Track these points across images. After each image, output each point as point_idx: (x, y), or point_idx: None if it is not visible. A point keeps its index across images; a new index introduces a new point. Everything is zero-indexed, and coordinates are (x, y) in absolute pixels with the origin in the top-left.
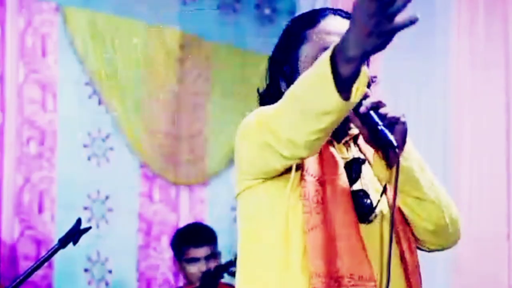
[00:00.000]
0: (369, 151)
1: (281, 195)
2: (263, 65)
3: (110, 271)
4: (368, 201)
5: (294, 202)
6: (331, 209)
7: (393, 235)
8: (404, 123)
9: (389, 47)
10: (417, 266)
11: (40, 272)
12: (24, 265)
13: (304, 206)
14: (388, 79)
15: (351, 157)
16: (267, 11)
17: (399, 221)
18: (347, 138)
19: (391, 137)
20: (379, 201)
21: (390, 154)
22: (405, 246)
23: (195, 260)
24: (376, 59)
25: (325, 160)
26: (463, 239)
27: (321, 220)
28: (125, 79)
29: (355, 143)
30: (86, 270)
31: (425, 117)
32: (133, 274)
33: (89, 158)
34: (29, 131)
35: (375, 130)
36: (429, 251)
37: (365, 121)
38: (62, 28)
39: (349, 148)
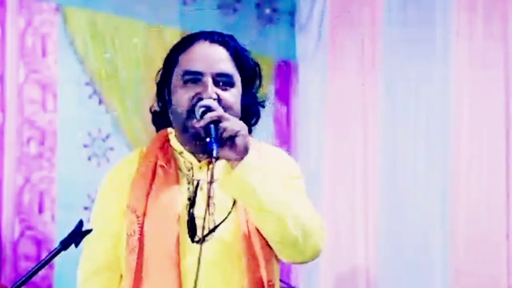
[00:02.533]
0: None
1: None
2: (264, 65)
3: None
4: (199, 222)
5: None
6: (148, 239)
7: (241, 250)
8: (243, 136)
9: (389, 47)
10: (258, 285)
11: (40, 272)
12: (24, 265)
13: (125, 239)
14: (387, 79)
15: (203, 178)
16: (267, 11)
17: (242, 236)
18: (207, 160)
19: (214, 147)
20: (223, 221)
21: (233, 165)
22: (243, 261)
23: None
24: (376, 60)
25: (153, 191)
26: (461, 239)
27: (134, 249)
28: (125, 79)
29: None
30: None
31: (424, 117)
32: None
33: (89, 158)
34: (29, 131)
35: (206, 143)
36: (289, 263)
37: (205, 133)
38: (62, 28)
39: (211, 168)
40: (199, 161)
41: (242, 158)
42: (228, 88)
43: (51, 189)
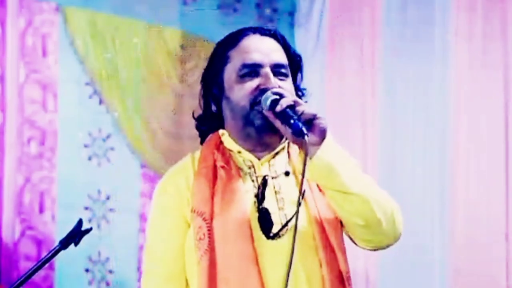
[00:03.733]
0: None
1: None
2: None
3: (111, 271)
4: (269, 217)
5: (190, 240)
6: (219, 241)
7: (318, 242)
8: (321, 119)
9: (388, 48)
10: (337, 277)
11: (41, 272)
12: (25, 265)
13: (195, 245)
14: (386, 79)
15: (269, 174)
16: (267, 11)
17: (318, 230)
18: (268, 156)
19: (302, 126)
20: (295, 214)
21: (308, 148)
22: (321, 255)
23: None
24: (375, 60)
25: (218, 192)
26: (460, 239)
27: (206, 253)
28: (125, 79)
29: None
30: (87, 270)
31: (423, 118)
32: (134, 274)
33: (89, 158)
34: (29, 131)
35: (291, 125)
36: (370, 250)
37: (283, 119)
38: (62, 28)
39: (272, 163)
40: (259, 158)
41: (322, 141)
42: (285, 78)
43: (52, 189)
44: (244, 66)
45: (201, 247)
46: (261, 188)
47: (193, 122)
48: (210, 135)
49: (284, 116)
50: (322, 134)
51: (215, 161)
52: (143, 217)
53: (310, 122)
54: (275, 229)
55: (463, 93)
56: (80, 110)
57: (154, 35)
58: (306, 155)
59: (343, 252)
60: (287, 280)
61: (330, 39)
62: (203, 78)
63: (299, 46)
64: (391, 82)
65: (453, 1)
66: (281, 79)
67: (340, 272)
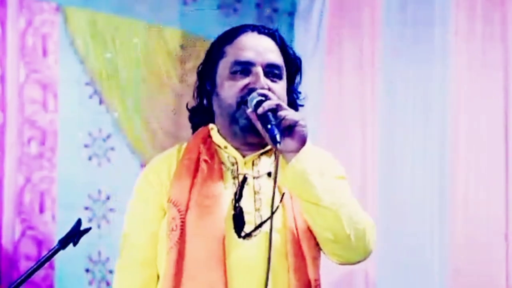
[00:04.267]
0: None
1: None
2: None
3: (111, 271)
4: (244, 216)
5: (162, 231)
6: (190, 234)
7: (288, 248)
8: (303, 126)
9: (388, 48)
10: (305, 285)
11: (41, 272)
12: (25, 265)
13: (166, 235)
14: (386, 79)
15: (251, 173)
16: (267, 11)
17: (290, 236)
18: (253, 155)
19: (276, 133)
20: (268, 218)
21: (288, 157)
22: (290, 261)
23: None
24: (375, 60)
25: (196, 185)
26: (460, 239)
27: (176, 245)
28: (125, 79)
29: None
30: (87, 270)
31: (423, 118)
32: None
33: (90, 158)
34: (30, 131)
35: (267, 129)
36: (340, 264)
37: (263, 122)
38: (62, 28)
39: (256, 163)
40: (244, 156)
41: (300, 149)
42: (276, 80)
43: (52, 189)
44: (236, 63)
45: (172, 239)
46: (240, 186)
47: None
48: (200, 128)
49: (264, 119)
50: (300, 142)
51: (199, 154)
52: None
53: (291, 128)
54: (247, 229)
55: (463, 93)
56: (80, 110)
57: (154, 35)
58: (277, 163)
59: (314, 260)
60: (266, 282)
61: (330, 39)
62: (198, 72)
63: (299, 46)
64: (390, 82)
65: (453, 1)
66: (273, 80)
67: (309, 280)
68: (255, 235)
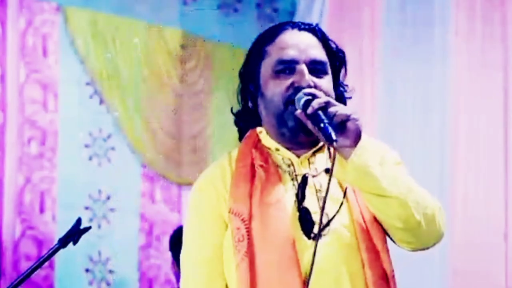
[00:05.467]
0: None
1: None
2: None
3: (111, 271)
4: (310, 217)
5: (228, 242)
6: (257, 242)
7: (360, 242)
8: (355, 120)
9: (388, 48)
10: (381, 278)
11: (41, 272)
12: (26, 265)
13: (233, 246)
14: (386, 79)
15: (309, 172)
16: (268, 10)
17: (360, 231)
18: (307, 153)
19: (331, 131)
20: (336, 214)
21: (346, 152)
22: (364, 256)
23: None
24: (375, 60)
25: (256, 192)
26: (459, 239)
27: (246, 255)
28: (126, 79)
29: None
30: (87, 270)
31: (422, 118)
32: (134, 274)
33: (90, 158)
34: (30, 131)
35: (321, 129)
36: (412, 251)
37: (314, 122)
38: (63, 28)
39: (312, 161)
40: (298, 156)
41: (356, 143)
42: (322, 75)
43: (52, 189)
44: (280, 62)
45: (240, 249)
46: (301, 187)
47: (193, 122)
48: (248, 133)
49: (315, 118)
50: (355, 137)
51: (253, 159)
52: (143, 217)
53: (343, 124)
54: (316, 229)
55: (462, 93)
56: (81, 110)
57: (154, 35)
58: (333, 160)
59: (386, 252)
60: (308, 279)
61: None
62: (240, 74)
63: None
64: (390, 82)
65: (453, 1)
66: (318, 76)
67: (384, 272)
68: (324, 235)
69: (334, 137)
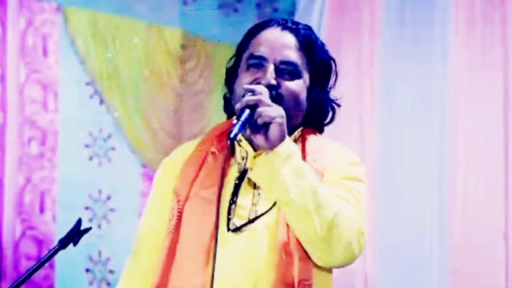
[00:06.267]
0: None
1: None
2: None
3: (111, 271)
4: (241, 211)
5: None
6: (184, 224)
7: (278, 246)
8: (279, 124)
9: (388, 48)
10: (285, 284)
11: (41, 272)
12: (26, 265)
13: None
14: (385, 79)
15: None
16: (268, 10)
17: (282, 233)
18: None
19: (234, 130)
20: (264, 213)
21: (266, 154)
22: (277, 259)
23: None
24: (374, 60)
25: (200, 176)
26: (459, 239)
27: (170, 234)
28: (126, 79)
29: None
30: (87, 270)
31: (422, 118)
32: None
33: (90, 158)
34: (30, 131)
35: (233, 125)
36: (328, 267)
37: (238, 117)
38: (63, 28)
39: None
40: (255, 150)
41: (274, 147)
42: (292, 78)
43: (52, 189)
44: (251, 57)
45: (169, 228)
46: (238, 179)
47: (193, 122)
48: (224, 121)
49: (239, 114)
50: (273, 140)
51: (211, 146)
52: None
53: (266, 125)
54: (238, 224)
55: (462, 93)
56: (81, 110)
57: (155, 35)
58: (224, 157)
59: (303, 260)
60: (212, 276)
61: (330, 38)
62: (228, 62)
63: None
64: (390, 82)
65: (453, 1)
66: (287, 78)
67: (293, 280)
68: (244, 230)
69: (232, 135)
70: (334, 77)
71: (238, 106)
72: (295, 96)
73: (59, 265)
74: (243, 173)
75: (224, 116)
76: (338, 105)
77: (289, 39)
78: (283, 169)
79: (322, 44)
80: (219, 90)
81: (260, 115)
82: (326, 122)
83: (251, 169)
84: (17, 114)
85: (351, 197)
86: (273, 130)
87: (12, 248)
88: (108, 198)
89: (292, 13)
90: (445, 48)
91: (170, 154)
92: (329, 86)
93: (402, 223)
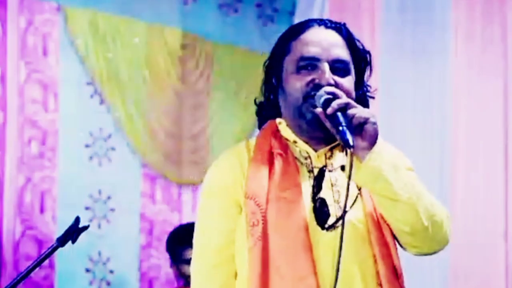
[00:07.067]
0: None
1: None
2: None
3: (111, 271)
4: (326, 208)
5: (241, 226)
6: (272, 228)
7: (372, 237)
8: (373, 123)
9: (387, 49)
10: (391, 272)
11: (41, 272)
12: (26, 265)
13: (247, 230)
14: (385, 81)
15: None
16: (268, 10)
17: (373, 225)
18: (325, 149)
19: (349, 136)
20: (350, 207)
21: (362, 154)
22: (376, 250)
23: None
24: (374, 62)
25: (274, 178)
26: (459, 239)
27: (259, 239)
28: (126, 79)
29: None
30: (87, 270)
31: (422, 118)
32: (134, 274)
33: (90, 158)
34: (30, 131)
35: (338, 131)
36: (416, 255)
37: (333, 123)
38: (63, 28)
39: (329, 157)
40: (315, 150)
41: (372, 146)
42: (344, 75)
43: (52, 189)
44: (302, 58)
45: (254, 234)
46: (318, 179)
47: (193, 122)
48: (268, 122)
49: (334, 119)
50: (372, 140)
51: (271, 147)
52: (143, 217)
53: (361, 126)
54: (330, 221)
55: (462, 93)
56: (81, 110)
57: (155, 35)
58: (351, 162)
59: (395, 247)
60: (337, 275)
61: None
62: (265, 66)
63: None
64: (390, 82)
65: (453, 2)
66: (340, 76)
67: (394, 267)
68: (337, 226)
69: (351, 142)
70: (370, 69)
71: (329, 110)
72: (350, 93)
73: (59, 265)
74: (321, 171)
75: (224, 116)
76: (373, 98)
77: (336, 37)
78: (386, 167)
79: (358, 39)
80: (219, 90)
81: (354, 117)
82: None
83: (324, 167)
84: (17, 114)
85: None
86: (369, 130)
87: (12, 248)
88: (108, 198)
89: (292, 13)
90: (446, 48)
91: (218, 161)
92: (365, 78)
93: None
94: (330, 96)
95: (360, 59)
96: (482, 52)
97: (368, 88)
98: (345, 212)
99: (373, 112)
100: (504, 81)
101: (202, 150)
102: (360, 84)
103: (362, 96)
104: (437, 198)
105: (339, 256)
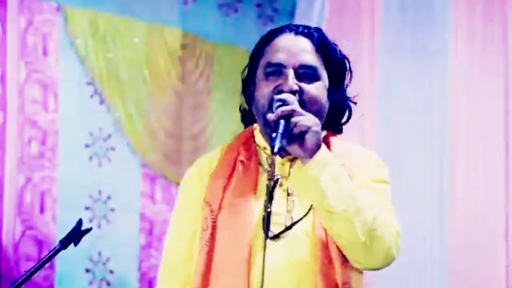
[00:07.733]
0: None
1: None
2: None
3: (111, 271)
4: (276, 218)
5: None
6: (220, 234)
7: (317, 251)
8: (315, 133)
9: (387, 49)
10: None
11: (41, 272)
12: (26, 265)
13: (200, 234)
14: (385, 81)
15: (286, 175)
16: (268, 10)
17: (320, 239)
18: (290, 156)
19: (276, 143)
20: (300, 219)
21: (303, 162)
22: (317, 265)
23: None
24: (374, 62)
25: (231, 185)
26: (459, 239)
27: (206, 244)
28: (126, 78)
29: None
30: (87, 270)
31: (422, 118)
32: (134, 274)
33: (90, 158)
34: (30, 131)
35: (271, 138)
36: (363, 269)
37: (273, 129)
38: (63, 28)
39: (294, 165)
40: (282, 157)
41: (312, 155)
42: (312, 81)
43: (53, 189)
44: (269, 64)
45: (203, 238)
46: (271, 187)
47: (193, 122)
48: (246, 128)
49: (275, 126)
50: (311, 149)
51: (238, 154)
52: (143, 217)
53: (302, 135)
54: (276, 231)
55: (462, 93)
56: (81, 110)
57: (155, 35)
58: (272, 173)
59: (343, 263)
60: (262, 283)
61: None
62: (243, 72)
63: None
64: (390, 82)
65: (453, 2)
66: (307, 82)
67: (336, 284)
68: (283, 237)
69: (275, 149)
70: (349, 75)
71: (271, 117)
72: (317, 99)
73: (59, 265)
74: (275, 181)
75: (224, 116)
76: (355, 103)
77: (305, 43)
78: (322, 176)
79: (335, 45)
80: (219, 90)
81: (295, 125)
82: (344, 121)
83: (283, 177)
84: (17, 114)
85: (382, 199)
86: (310, 139)
87: (12, 248)
88: (108, 198)
89: (292, 13)
90: (446, 48)
91: (193, 165)
92: (345, 85)
93: (402, 223)
94: (280, 103)
95: (333, 64)
96: (482, 52)
97: (345, 93)
98: (268, 220)
99: (317, 121)
100: (505, 81)
101: (202, 150)
102: (336, 90)
103: (338, 101)
104: (437, 198)
105: (263, 268)
